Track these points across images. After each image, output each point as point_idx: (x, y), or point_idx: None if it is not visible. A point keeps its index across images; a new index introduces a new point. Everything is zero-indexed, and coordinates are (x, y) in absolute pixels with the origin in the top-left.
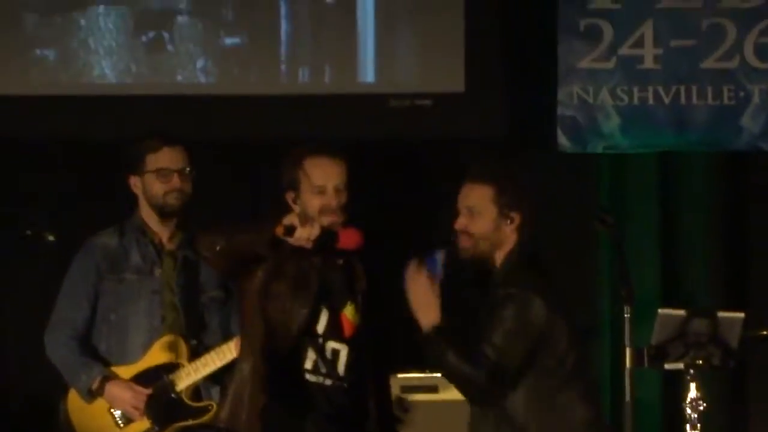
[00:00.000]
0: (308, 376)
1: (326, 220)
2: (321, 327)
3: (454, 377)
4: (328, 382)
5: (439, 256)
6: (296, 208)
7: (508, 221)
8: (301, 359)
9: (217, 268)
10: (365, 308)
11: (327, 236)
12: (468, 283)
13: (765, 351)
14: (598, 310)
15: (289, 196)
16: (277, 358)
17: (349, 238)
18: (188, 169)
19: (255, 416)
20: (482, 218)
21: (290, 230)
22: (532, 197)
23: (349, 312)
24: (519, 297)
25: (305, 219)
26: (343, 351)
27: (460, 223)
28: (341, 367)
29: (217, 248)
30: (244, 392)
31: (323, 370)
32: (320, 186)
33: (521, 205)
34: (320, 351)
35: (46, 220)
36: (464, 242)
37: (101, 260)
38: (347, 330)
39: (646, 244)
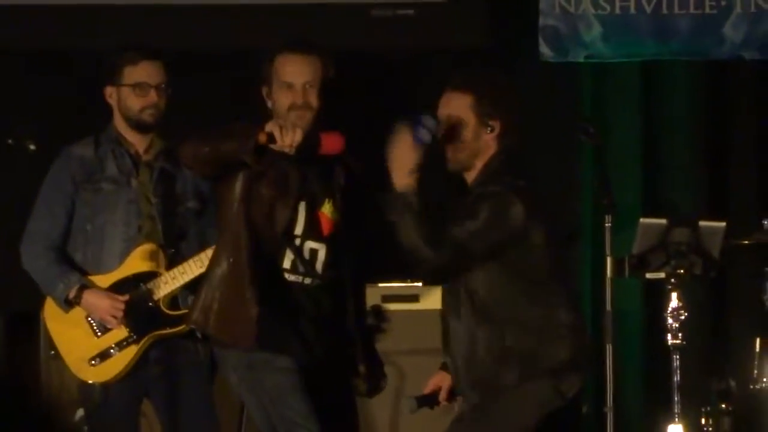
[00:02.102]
0: (287, 276)
1: (294, 116)
2: (299, 227)
3: (408, 242)
4: (308, 281)
5: (428, 122)
6: (269, 103)
7: (488, 129)
8: (280, 260)
9: (200, 175)
10: (344, 207)
11: (309, 141)
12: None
13: (745, 260)
14: (579, 219)
15: (264, 91)
16: (258, 261)
17: (332, 143)
18: (165, 85)
19: (249, 326)
20: (462, 127)
21: (272, 138)
22: (513, 105)
23: (327, 209)
24: (499, 194)
25: (286, 125)
26: (322, 250)
27: (440, 131)
28: (319, 266)
29: (201, 155)
30: (215, 295)
31: (301, 269)
32: (288, 82)
33: (501, 114)
34: (298, 252)
35: (27, 129)
36: (446, 152)
37: (77, 170)
38: (325, 228)
39: (627, 153)
